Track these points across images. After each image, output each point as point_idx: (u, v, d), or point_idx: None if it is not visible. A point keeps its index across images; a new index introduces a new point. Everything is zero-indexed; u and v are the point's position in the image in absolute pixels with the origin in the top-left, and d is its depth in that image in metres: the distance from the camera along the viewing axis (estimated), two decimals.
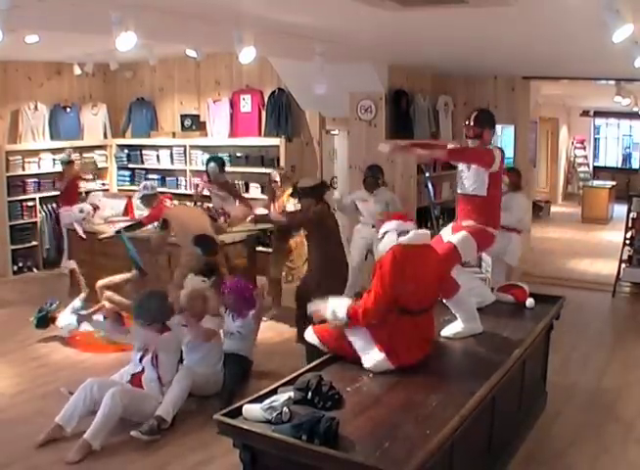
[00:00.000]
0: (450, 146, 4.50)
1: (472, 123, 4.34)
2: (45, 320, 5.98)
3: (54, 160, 9.06)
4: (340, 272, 5.75)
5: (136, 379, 4.50)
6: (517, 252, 6.38)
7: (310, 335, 3.81)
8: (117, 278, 6.32)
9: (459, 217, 4.43)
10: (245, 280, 5.35)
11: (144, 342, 4.55)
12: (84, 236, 7.27)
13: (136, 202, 7.50)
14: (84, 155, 9.44)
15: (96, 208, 7.84)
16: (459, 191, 4.47)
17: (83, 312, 5.99)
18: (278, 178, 7.30)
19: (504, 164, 4.52)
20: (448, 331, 4.08)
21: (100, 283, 6.25)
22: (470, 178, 4.31)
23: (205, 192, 7.69)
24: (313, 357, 3.71)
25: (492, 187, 4.27)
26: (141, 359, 4.53)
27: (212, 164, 7.28)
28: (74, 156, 8.94)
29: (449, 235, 4.37)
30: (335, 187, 8.33)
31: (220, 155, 8.66)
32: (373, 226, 6.39)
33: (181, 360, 4.79)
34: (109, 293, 6.15)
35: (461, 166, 4.43)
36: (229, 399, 4.45)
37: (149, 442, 4.12)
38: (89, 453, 3.96)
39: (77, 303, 6.18)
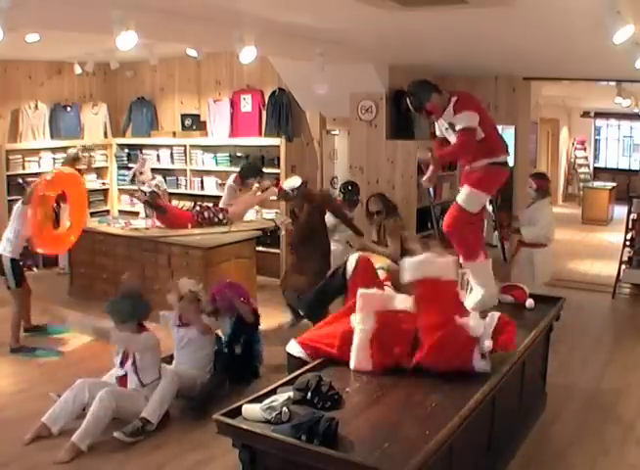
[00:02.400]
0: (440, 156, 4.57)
1: (415, 111, 4.40)
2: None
3: (54, 159, 9.06)
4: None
5: (122, 382, 4.47)
6: (544, 267, 5.97)
7: (294, 347, 3.76)
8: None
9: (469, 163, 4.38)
10: (227, 282, 5.29)
11: (120, 343, 4.49)
12: None
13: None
14: (84, 154, 9.41)
15: None
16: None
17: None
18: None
19: (477, 101, 4.39)
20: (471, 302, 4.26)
21: None
22: None
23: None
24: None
25: (484, 124, 4.21)
26: (122, 363, 4.47)
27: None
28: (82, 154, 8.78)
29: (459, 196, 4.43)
30: (335, 187, 8.31)
31: (220, 154, 8.71)
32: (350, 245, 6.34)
33: (171, 361, 4.80)
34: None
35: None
36: (206, 400, 4.51)
37: (132, 443, 4.11)
38: (79, 454, 3.96)
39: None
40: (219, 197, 8.23)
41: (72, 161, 8.09)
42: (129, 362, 4.44)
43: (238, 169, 7.58)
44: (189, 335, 4.79)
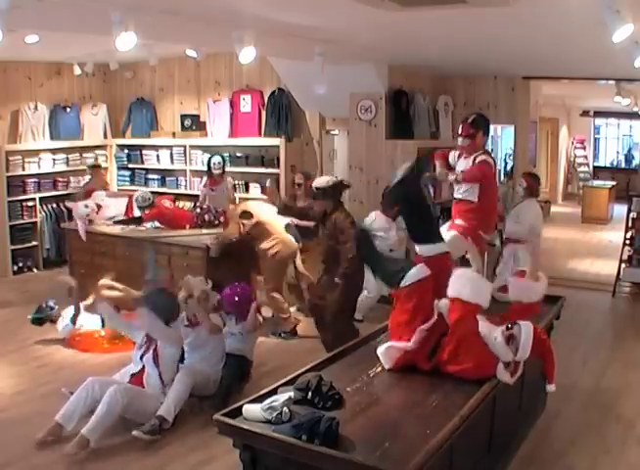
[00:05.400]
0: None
1: (468, 123, 4.45)
2: (41, 321, 6.01)
3: (54, 160, 9.07)
4: (361, 283, 5.43)
5: (136, 379, 4.49)
6: (526, 263, 5.92)
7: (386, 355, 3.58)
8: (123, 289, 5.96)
9: (453, 218, 4.54)
10: (241, 283, 5.27)
11: (148, 328, 4.55)
12: (84, 236, 7.23)
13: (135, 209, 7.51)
14: (84, 155, 9.43)
15: (99, 207, 7.79)
16: (454, 196, 4.62)
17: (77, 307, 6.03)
18: (302, 181, 6.92)
19: (496, 170, 4.67)
20: None
21: (102, 282, 6.13)
22: (462, 186, 4.44)
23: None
24: None
25: (483, 194, 4.39)
26: (142, 358, 4.54)
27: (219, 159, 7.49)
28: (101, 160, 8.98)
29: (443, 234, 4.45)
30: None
31: (220, 155, 8.70)
32: (391, 250, 6.04)
33: (181, 360, 4.78)
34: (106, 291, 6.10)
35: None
36: (225, 398, 4.47)
37: (150, 441, 4.12)
38: (86, 447, 3.96)
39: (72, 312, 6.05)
40: None
41: (96, 168, 8.25)
42: (149, 355, 4.48)
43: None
44: (199, 335, 4.80)
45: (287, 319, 6.30)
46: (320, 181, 5.31)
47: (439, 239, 3.72)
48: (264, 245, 6.17)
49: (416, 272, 3.46)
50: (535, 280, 3.83)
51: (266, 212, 6.37)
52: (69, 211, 8.09)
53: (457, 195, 4.63)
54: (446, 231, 4.51)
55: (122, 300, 5.68)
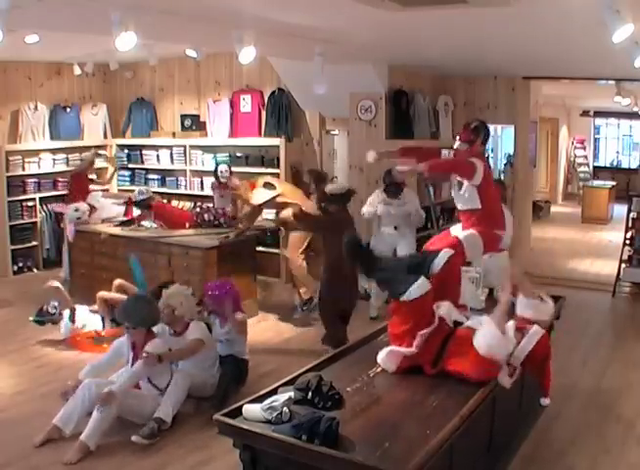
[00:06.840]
0: (429, 162, 4.39)
1: (471, 129, 4.41)
2: (43, 323, 6.01)
3: (54, 160, 9.06)
4: (349, 284, 5.45)
5: None
6: (497, 271, 5.97)
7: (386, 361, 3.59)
8: (119, 298, 5.98)
9: (464, 228, 4.44)
10: (222, 280, 5.24)
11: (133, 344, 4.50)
12: (71, 238, 7.21)
13: (135, 210, 7.50)
14: (84, 155, 9.40)
15: (93, 208, 7.75)
16: (458, 208, 4.54)
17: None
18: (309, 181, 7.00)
19: (491, 173, 4.59)
20: None
21: (101, 295, 6.13)
22: (462, 196, 4.41)
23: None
24: None
25: (484, 197, 4.32)
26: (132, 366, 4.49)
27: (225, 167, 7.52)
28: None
29: (458, 232, 4.37)
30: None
31: (220, 155, 8.71)
32: (395, 228, 6.62)
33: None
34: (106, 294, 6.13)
35: (452, 189, 4.52)
36: (224, 398, 4.46)
37: (149, 445, 4.11)
38: (87, 454, 3.96)
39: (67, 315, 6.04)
40: None
41: (90, 164, 8.21)
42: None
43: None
44: (183, 344, 4.68)
45: (307, 292, 6.61)
46: (335, 188, 5.73)
47: (428, 265, 3.68)
48: (285, 213, 6.37)
49: (419, 288, 3.45)
50: (532, 296, 3.79)
51: (283, 184, 6.65)
52: (59, 215, 8.11)
53: (459, 206, 4.53)
54: (461, 230, 4.44)
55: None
